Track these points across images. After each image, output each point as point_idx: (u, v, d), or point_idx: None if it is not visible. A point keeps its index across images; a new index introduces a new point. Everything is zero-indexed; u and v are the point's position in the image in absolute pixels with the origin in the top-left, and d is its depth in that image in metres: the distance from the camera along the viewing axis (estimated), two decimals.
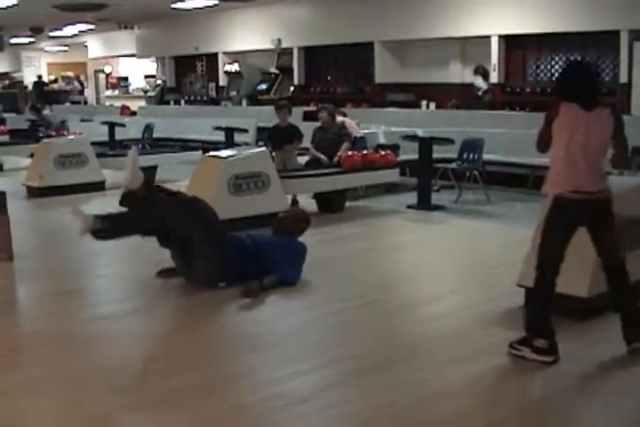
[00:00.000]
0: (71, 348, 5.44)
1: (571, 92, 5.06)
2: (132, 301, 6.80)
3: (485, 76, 18.39)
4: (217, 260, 6.76)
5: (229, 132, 15.81)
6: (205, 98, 27.67)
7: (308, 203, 10.63)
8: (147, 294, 6.91)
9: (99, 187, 12.54)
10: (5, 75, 38.02)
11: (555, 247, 5.10)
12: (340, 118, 12.55)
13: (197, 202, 7.06)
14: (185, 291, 6.83)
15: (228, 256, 6.77)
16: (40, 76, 36.58)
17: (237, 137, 15.71)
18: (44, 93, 33.89)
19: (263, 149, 10.17)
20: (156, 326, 6.07)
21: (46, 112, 19.66)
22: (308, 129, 12.20)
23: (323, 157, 11.48)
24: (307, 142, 11.95)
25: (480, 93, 18.24)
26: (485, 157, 12.71)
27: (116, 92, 34.99)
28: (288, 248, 7.08)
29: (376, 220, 10.34)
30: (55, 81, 21.22)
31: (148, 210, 6.72)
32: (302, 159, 12.19)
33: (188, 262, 6.86)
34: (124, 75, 35.63)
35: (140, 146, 18.24)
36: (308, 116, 18.46)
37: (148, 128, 18.48)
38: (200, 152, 13.27)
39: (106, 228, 6.56)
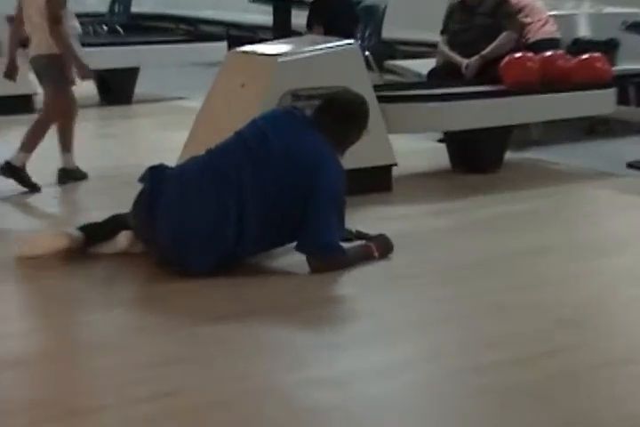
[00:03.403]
0: None
1: None
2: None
3: None
4: None
5: (281, 5, 10.28)
6: None
7: (432, 149, 7.40)
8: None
9: None
10: None
11: None
12: None
13: None
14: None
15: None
16: None
17: (295, 18, 10.13)
18: None
19: (350, 41, 6.38)
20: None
21: None
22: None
23: (462, 60, 7.29)
24: (433, 34, 8.02)
25: None
26: None
27: None
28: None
29: (562, 188, 6.80)
30: None
31: None
32: (425, 64, 8.00)
33: None
34: None
35: (105, 29, 12.77)
36: None
37: None
38: (223, 44, 9.40)
39: None
